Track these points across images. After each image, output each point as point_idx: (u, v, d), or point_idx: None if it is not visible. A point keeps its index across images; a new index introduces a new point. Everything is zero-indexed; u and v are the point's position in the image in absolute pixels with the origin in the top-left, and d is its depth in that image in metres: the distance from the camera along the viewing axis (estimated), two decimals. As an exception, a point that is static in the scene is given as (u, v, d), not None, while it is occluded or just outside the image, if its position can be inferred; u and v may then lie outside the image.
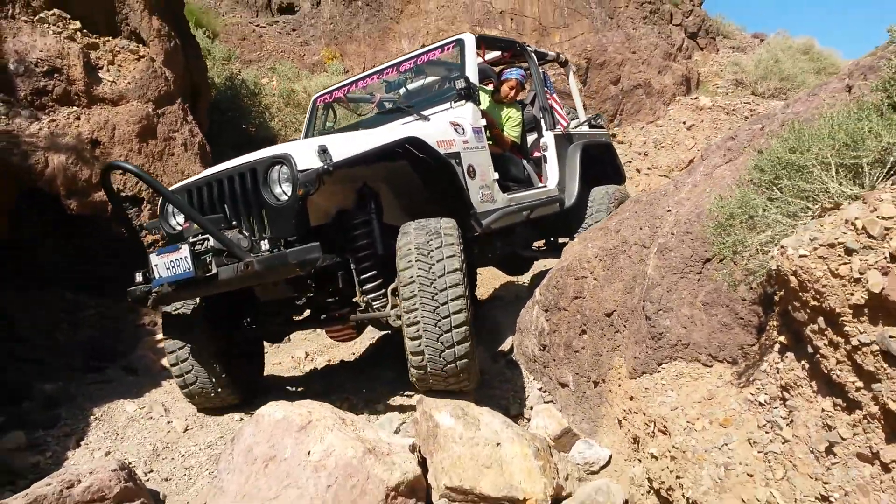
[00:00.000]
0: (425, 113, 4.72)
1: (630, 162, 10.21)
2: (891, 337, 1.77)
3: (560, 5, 10.98)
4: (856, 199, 2.09)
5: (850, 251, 1.89)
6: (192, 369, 4.29)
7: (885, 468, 1.86)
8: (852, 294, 1.87)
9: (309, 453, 3.44)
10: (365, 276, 3.95)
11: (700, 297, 3.29)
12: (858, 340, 1.88)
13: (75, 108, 6.03)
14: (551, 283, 4.42)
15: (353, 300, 4.05)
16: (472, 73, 4.96)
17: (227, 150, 7.19)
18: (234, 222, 3.73)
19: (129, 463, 3.67)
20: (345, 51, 12.49)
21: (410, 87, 5.68)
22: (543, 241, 6.50)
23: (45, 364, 5.38)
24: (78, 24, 6.24)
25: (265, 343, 5.19)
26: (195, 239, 3.61)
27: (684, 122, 10.15)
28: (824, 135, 2.34)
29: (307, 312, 4.62)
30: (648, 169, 9.64)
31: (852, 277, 1.87)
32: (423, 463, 3.69)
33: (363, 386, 4.88)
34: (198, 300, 4.30)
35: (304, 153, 3.60)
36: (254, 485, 3.38)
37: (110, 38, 6.47)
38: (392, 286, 3.86)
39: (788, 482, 2.22)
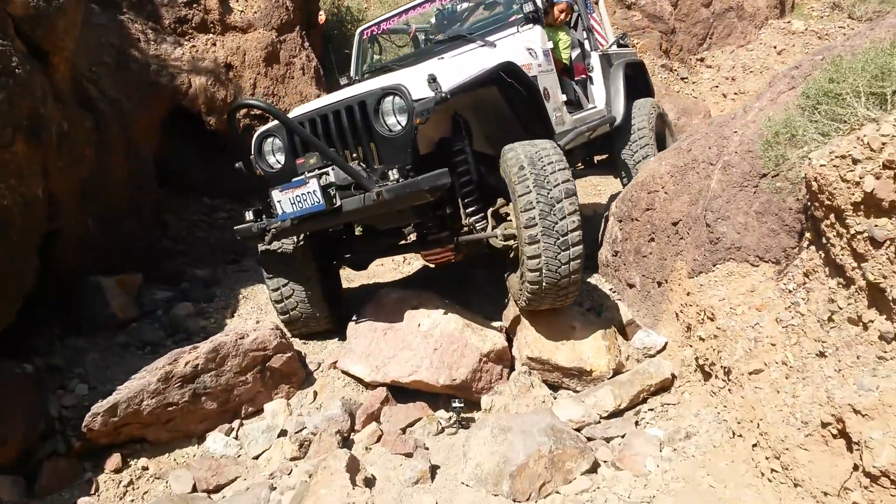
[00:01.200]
0: (491, 39, 4.70)
1: (717, 87, 10.29)
2: (876, 226, 2.34)
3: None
4: (873, 122, 2.60)
5: (855, 161, 2.44)
6: (296, 305, 4.47)
7: (865, 327, 2.46)
8: (853, 194, 2.43)
9: (419, 325, 4.30)
10: (468, 199, 4.07)
11: (754, 206, 3.82)
12: (855, 230, 2.45)
13: (211, 35, 6.90)
14: (626, 197, 5.01)
15: (456, 224, 4.19)
16: None
17: (333, 74, 7.93)
18: (347, 153, 3.81)
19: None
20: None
21: (461, 8, 5.58)
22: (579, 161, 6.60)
23: (193, 255, 6.48)
24: (211, -44, 7.01)
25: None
26: (313, 173, 3.68)
27: (775, 47, 10.06)
28: (858, 68, 2.82)
29: (412, 237, 4.74)
30: (735, 94, 9.73)
31: (854, 181, 2.43)
32: (509, 340, 4.49)
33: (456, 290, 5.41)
34: (298, 237, 4.39)
35: (415, 83, 3.67)
36: (376, 347, 4.29)
37: (236, -31, 7.23)
38: (492, 209, 4.08)
39: (799, 346, 2.85)
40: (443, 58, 4.49)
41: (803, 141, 2.96)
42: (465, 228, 4.14)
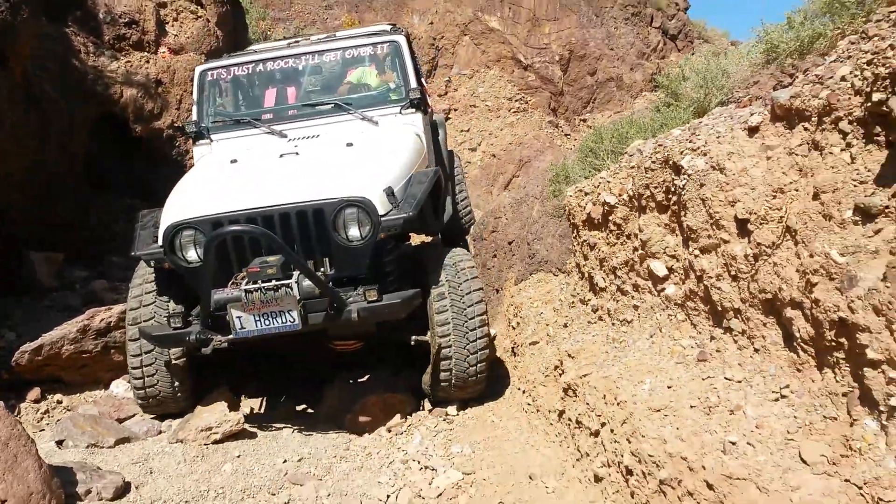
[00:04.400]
0: (370, 115, 4.58)
1: (594, 144, 11.96)
2: (591, 236, 3.61)
3: (553, 0, 12.62)
4: (603, 169, 3.91)
5: (586, 193, 3.73)
6: (157, 381, 4.04)
7: (585, 303, 3.73)
8: (582, 215, 3.71)
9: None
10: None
11: (559, 231, 5.13)
12: (583, 239, 3.73)
13: (146, 53, 7.80)
14: (480, 222, 6.28)
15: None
16: (415, 80, 4.78)
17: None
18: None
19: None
20: (363, 19, 14.12)
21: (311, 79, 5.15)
22: None
23: (111, 246, 7.26)
24: (152, -14, 7.96)
25: None
26: (271, 284, 3.36)
27: (645, 115, 11.88)
28: (609, 135, 4.16)
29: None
30: (606, 152, 11.42)
31: (583, 206, 3.71)
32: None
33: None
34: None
35: (376, 195, 3.62)
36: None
37: (175, -1, 8.20)
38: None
39: (556, 322, 4.10)
40: (352, 144, 4.26)
41: (573, 180, 4.27)
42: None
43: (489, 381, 4.37)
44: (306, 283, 3.43)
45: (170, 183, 4.52)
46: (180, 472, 3.55)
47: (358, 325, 3.60)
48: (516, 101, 12.02)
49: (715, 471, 2.11)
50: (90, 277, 6.12)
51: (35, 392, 4.48)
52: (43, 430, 4.30)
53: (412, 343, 4.06)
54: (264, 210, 3.59)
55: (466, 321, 3.86)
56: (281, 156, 4.20)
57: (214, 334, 3.57)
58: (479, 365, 3.94)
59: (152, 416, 4.31)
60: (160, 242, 3.69)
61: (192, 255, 3.66)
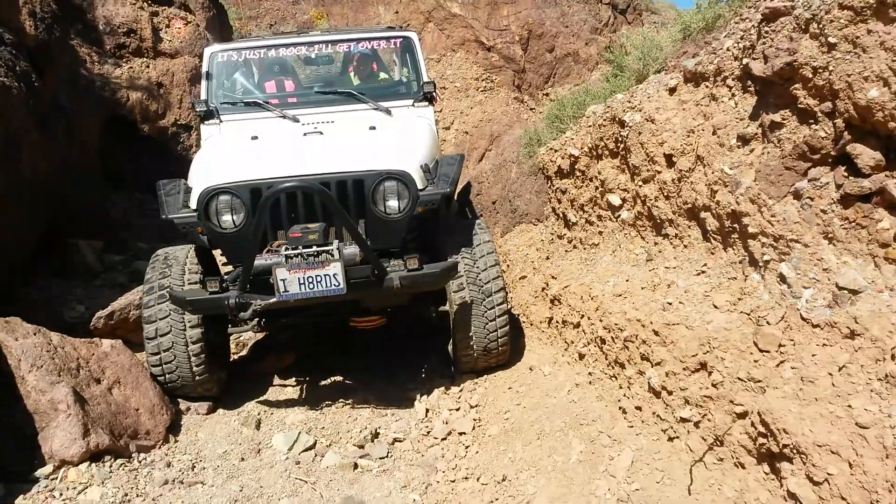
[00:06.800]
0: (384, 105, 4.68)
1: (557, 116, 12.95)
2: (563, 183, 4.58)
3: (510, -16, 13.53)
4: (568, 131, 4.87)
5: (555, 150, 4.69)
6: (176, 365, 3.97)
7: (561, 238, 4.72)
8: (555, 167, 4.67)
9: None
10: None
11: (534, 188, 6.10)
12: (556, 187, 4.70)
13: (145, 59, 8.53)
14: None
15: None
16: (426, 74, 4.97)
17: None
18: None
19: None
20: (330, 12, 14.85)
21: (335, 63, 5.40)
22: None
23: (131, 235, 8.04)
24: (144, -3, 8.68)
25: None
26: (312, 250, 3.47)
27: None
28: (570, 103, 5.13)
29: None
30: (568, 122, 12.44)
31: (554, 161, 4.67)
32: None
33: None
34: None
35: (413, 169, 3.75)
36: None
37: (166, 6, 8.91)
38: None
39: (540, 259, 5.07)
40: (374, 127, 4.39)
41: (544, 142, 5.23)
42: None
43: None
44: (347, 250, 3.54)
45: (178, 176, 4.30)
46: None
47: (396, 293, 3.64)
48: (482, 80, 12.93)
49: (658, 322, 3.11)
50: (126, 260, 6.94)
51: (109, 351, 5.32)
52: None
53: (433, 315, 4.23)
54: (304, 178, 3.58)
55: (483, 287, 3.96)
56: (305, 134, 4.29)
57: (253, 297, 3.56)
58: (499, 331, 4.03)
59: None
60: (192, 207, 3.71)
61: (228, 219, 3.68)
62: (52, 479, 3.19)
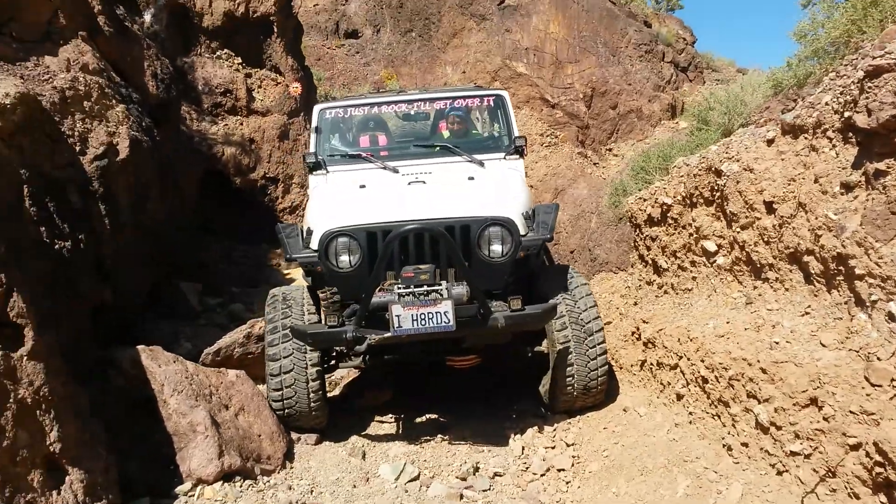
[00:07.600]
0: (477, 157, 4.91)
1: (621, 171, 13.18)
2: (653, 231, 4.78)
3: (573, 44, 14.00)
4: (657, 182, 5.10)
5: (644, 200, 4.91)
6: (296, 400, 4.21)
7: (650, 284, 4.89)
8: (646, 214, 4.88)
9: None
10: None
11: (615, 237, 6.30)
12: (646, 234, 4.89)
13: (239, 116, 9.19)
14: (542, 236, 7.48)
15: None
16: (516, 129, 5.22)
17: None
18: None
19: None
20: (399, 72, 15.60)
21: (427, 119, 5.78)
22: None
23: (222, 279, 8.53)
24: (240, 60, 9.41)
25: None
26: (423, 289, 3.68)
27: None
28: (655, 155, 5.37)
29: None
30: (633, 176, 12.66)
31: (643, 210, 4.89)
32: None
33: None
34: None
35: (516, 216, 4.05)
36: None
37: (259, 69, 9.62)
38: None
39: (625, 305, 5.23)
40: (473, 178, 4.67)
41: (629, 192, 5.46)
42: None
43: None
44: (455, 290, 3.74)
45: (262, 225, 4.84)
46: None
47: (500, 331, 3.83)
48: (547, 136, 13.30)
49: (766, 360, 3.23)
50: (224, 303, 7.36)
51: (215, 386, 5.66)
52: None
53: (529, 354, 4.44)
54: (416, 223, 3.81)
55: (584, 327, 4.19)
56: (409, 184, 4.57)
57: (369, 332, 3.77)
58: (600, 370, 4.22)
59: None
60: (313, 248, 4.07)
61: (345, 259, 3.98)
62: (189, 496, 3.46)
